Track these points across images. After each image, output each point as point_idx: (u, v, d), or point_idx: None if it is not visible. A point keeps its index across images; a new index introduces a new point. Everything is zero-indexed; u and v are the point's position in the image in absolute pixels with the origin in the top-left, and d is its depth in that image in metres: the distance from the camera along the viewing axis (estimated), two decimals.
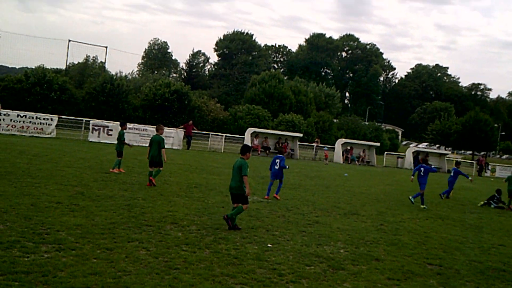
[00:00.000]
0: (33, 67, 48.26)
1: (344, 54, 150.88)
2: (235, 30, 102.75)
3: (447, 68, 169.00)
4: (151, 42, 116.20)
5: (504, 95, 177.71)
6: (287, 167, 14.98)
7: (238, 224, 9.79)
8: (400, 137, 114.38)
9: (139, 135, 31.73)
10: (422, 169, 16.73)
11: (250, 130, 35.75)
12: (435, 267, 8.51)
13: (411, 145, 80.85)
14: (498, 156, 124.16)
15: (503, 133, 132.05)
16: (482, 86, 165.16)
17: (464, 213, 15.99)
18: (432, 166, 17.61)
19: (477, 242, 11.10)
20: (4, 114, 28.39)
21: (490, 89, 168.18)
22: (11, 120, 28.47)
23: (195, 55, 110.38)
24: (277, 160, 14.76)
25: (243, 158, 9.91)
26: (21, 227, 7.90)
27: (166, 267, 6.82)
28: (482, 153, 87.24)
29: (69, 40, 63.10)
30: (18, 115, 29.01)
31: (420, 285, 7.33)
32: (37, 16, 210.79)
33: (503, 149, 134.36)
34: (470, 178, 21.43)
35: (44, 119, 29.82)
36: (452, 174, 20.74)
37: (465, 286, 7.56)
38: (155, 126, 17.09)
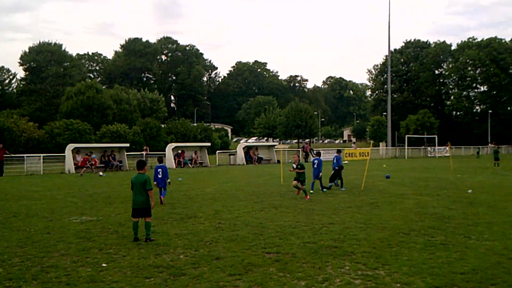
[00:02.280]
0: None
1: (164, 57, 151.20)
2: (42, 41, 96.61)
3: (266, 63, 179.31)
4: None
5: (319, 84, 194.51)
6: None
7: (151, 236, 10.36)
8: (230, 134, 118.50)
9: None
10: (316, 161, 19.55)
11: (70, 147, 33.86)
12: (273, 255, 8.98)
13: (241, 141, 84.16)
14: (321, 141, 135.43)
15: (323, 119, 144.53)
16: (299, 78, 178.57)
17: (296, 199, 17.12)
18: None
19: (309, 224, 11.97)
20: None
21: (306, 80, 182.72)
22: None
23: None
24: (159, 170, 16.30)
25: (142, 173, 10.32)
26: None
27: None
28: (306, 140, 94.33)
29: None
30: None
31: (261, 275, 7.67)
32: None
33: (325, 134, 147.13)
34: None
35: None
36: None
37: (302, 268, 8.09)
38: None
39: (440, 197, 17.41)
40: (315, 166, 19.48)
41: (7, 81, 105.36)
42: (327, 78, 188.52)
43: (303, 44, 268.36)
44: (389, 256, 8.78)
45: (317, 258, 8.72)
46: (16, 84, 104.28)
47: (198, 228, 11.73)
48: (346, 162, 45.95)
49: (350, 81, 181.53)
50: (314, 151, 51.53)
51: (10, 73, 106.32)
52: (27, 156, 33.57)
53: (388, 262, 8.38)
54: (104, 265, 8.37)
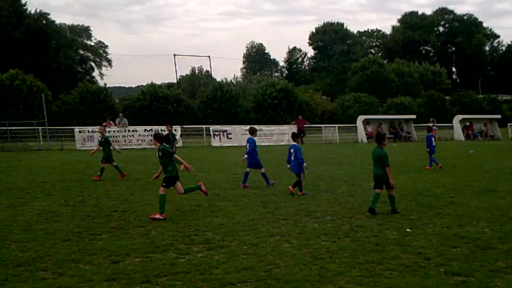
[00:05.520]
0: (145, 84, 51.16)
1: (441, 28, 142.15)
2: (326, 22, 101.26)
3: None
4: (248, 46, 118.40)
5: None
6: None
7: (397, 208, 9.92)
8: None
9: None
10: None
11: (361, 118, 34.99)
12: None
13: None
14: None
15: None
16: None
17: None
18: None
19: None
20: (132, 131, 30.35)
21: None
22: (139, 135, 30.31)
23: (292, 52, 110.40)
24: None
25: (380, 147, 9.83)
26: (171, 231, 8.33)
27: (311, 258, 6.82)
28: None
29: (174, 55, 66.19)
30: (145, 130, 30.77)
31: None
32: (141, 36, 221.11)
33: None
34: None
35: None
36: None
37: None
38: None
39: None
40: None
41: (299, 59, 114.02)
42: None
43: None
44: None
45: None
46: (308, 62, 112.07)
47: (499, 202, 10.80)
48: None
49: None
50: None
51: (301, 52, 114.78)
52: (324, 127, 35.97)
53: None
54: (408, 230, 8.38)
